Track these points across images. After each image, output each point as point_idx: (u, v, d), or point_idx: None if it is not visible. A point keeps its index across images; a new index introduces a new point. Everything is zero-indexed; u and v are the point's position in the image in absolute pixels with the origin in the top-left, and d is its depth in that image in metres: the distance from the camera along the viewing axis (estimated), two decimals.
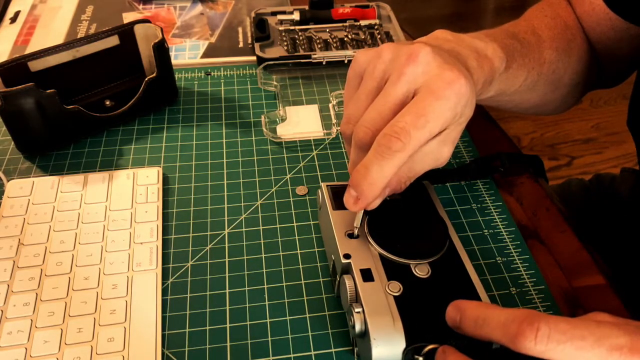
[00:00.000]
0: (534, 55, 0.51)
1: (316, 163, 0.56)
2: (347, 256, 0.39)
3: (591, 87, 0.62)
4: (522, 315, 0.30)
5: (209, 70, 0.68)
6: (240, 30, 0.75)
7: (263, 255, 0.47)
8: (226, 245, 0.48)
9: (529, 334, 0.29)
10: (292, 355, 0.41)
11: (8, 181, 0.52)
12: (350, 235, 0.41)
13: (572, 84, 0.57)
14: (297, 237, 0.49)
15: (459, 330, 0.34)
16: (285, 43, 0.70)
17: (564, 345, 0.28)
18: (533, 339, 0.29)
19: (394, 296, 0.37)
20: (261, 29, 0.71)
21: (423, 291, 0.38)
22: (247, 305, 0.44)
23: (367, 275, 0.38)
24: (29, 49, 0.71)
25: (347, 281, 0.38)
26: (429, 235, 0.41)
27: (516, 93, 0.51)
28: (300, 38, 0.71)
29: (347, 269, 0.40)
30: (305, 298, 0.44)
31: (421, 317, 0.36)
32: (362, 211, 0.40)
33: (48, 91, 0.52)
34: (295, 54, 0.68)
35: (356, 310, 0.36)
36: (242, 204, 0.52)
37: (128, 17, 0.78)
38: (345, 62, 0.68)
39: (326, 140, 0.58)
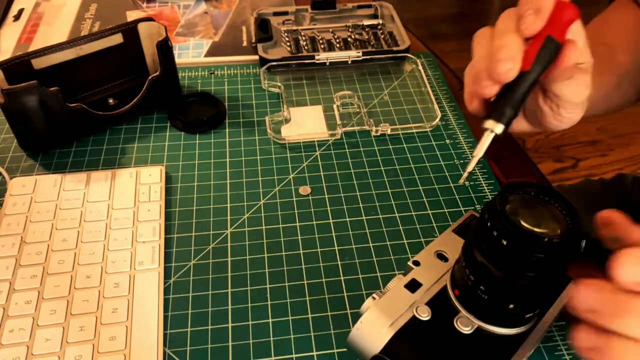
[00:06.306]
0: (607, 63, 0.52)
1: (319, 163, 0.56)
2: (416, 263, 0.38)
3: None
4: None
5: (213, 69, 0.68)
6: (244, 29, 0.75)
7: (265, 255, 0.47)
8: (228, 244, 0.48)
9: None
10: (294, 356, 0.40)
11: (11, 179, 0.52)
12: (440, 256, 0.39)
13: None
14: (299, 237, 0.49)
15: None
16: (288, 44, 0.70)
17: None
18: None
19: (413, 316, 0.35)
20: (263, 30, 0.71)
21: (441, 338, 0.35)
22: (249, 305, 0.44)
23: (412, 285, 0.37)
24: (32, 47, 0.71)
25: (393, 280, 0.37)
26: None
27: (602, 98, 0.52)
28: (303, 38, 0.71)
29: (407, 271, 0.38)
30: (307, 298, 0.44)
31: (412, 350, 0.34)
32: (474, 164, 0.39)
33: (51, 89, 0.52)
34: (299, 54, 0.68)
35: (373, 296, 0.36)
36: (245, 203, 0.51)
37: (132, 16, 0.78)
38: (349, 62, 0.68)
39: (330, 140, 0.58)
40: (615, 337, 0.28)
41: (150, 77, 0.58)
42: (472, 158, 0.39)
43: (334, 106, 0.62)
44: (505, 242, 0.31)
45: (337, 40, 0.71)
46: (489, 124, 0.37)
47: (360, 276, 0.46)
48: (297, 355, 0.40)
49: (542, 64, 0.36)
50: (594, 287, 0.29)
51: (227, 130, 0.59)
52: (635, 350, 0.28)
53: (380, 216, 0.51)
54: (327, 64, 0.68)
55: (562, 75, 0.38)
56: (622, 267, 0.28)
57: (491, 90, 0.37)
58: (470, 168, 0.38)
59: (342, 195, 0.52)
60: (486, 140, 0.38)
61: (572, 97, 0.41)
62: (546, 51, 0.36)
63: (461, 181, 0.38)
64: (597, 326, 0.29)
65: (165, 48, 0.57)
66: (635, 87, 0.57)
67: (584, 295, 0.29)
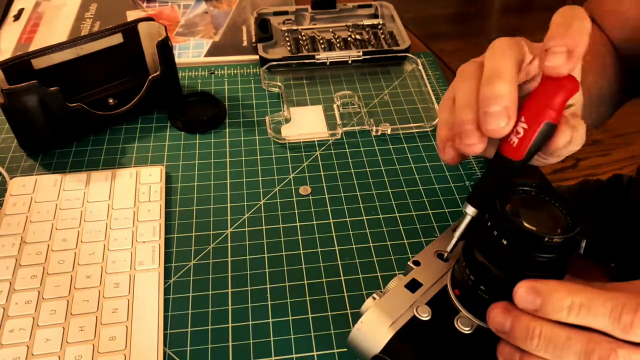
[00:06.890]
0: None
1: (320, 163, 0.56)
2: (416, 263, 0.38)
3: (624, 99, 0.62)
4: (633, 303, 0.27)
5: (213, 69, 0.68)
6: (244, 29, 0.75)
7: (266, 255, 0.47)
8: (229, 244, 0.48)
9: None
10: (294, 356, 0.40)
11: (11, 179, 0.52)
12: (440, 256, 0.39)
13: (612, 98, 0.58)
14: (300, 237, 0.48)
15: (539, 314, 0.29)
16: (289, 43, 0.69)
17: None
18: None
19: (413, 316, 0.35)
20: (264, 30, 0.71)
21: (441, 338, 0.34)
22: (250, 305, 0.44)
23: (412, 285, 0.36)
24: (33, 47, 0.71)
25: (393, 279, 0.37)
26: None
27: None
28: (303, 38, 0.71)
29: (407, 271, 0.38)
30: (307, 298, 0.44)
31: (412, 350, 0.34)
32: (457, 238, 0.37)
33: (51, 89, 0.52)
34: (299, 54, 0.68)
35: (373, 296, 0.36)
36: (245, 203, 0.51)
37: (132, 15, 0.78)
38: (349, 62, 0.68)
39: (330, 140, 0.58)
40: (527, 355, 0.30)
41: (150, 77, 0.58)
42: (453, 237, 0.37)
43: (334, 106, 0.62)
44: (505, 242, 0.31)
45: (337, 40, 0.71)
46: (471, 210, 0.35)
47: (361, 276, 0.46)
48: (297, 355, 0.40)
49: (535, 151, 0.34)
50: (501, 310, 0.30)
51: (227, 130, 0.59)
52: None
53: (381, 216, 0.51)
54: (327, 63, 0.68)
55: (555, 153, 0.35)
56: (517, 295, 0.30)
57: (477, 148, 0.34)
58: (450, 248, 0.37)
59: (342, 195, 0.52)
60: (466, 223, 0.36)
61: (563, 155, 0.38)
62: (541, 136, 0.33)
63: (446, 255, 0.38)
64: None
65: (165, 48, 0.57)
66: (603, 105, 0.57)
67: (493, 316, 0.31)
